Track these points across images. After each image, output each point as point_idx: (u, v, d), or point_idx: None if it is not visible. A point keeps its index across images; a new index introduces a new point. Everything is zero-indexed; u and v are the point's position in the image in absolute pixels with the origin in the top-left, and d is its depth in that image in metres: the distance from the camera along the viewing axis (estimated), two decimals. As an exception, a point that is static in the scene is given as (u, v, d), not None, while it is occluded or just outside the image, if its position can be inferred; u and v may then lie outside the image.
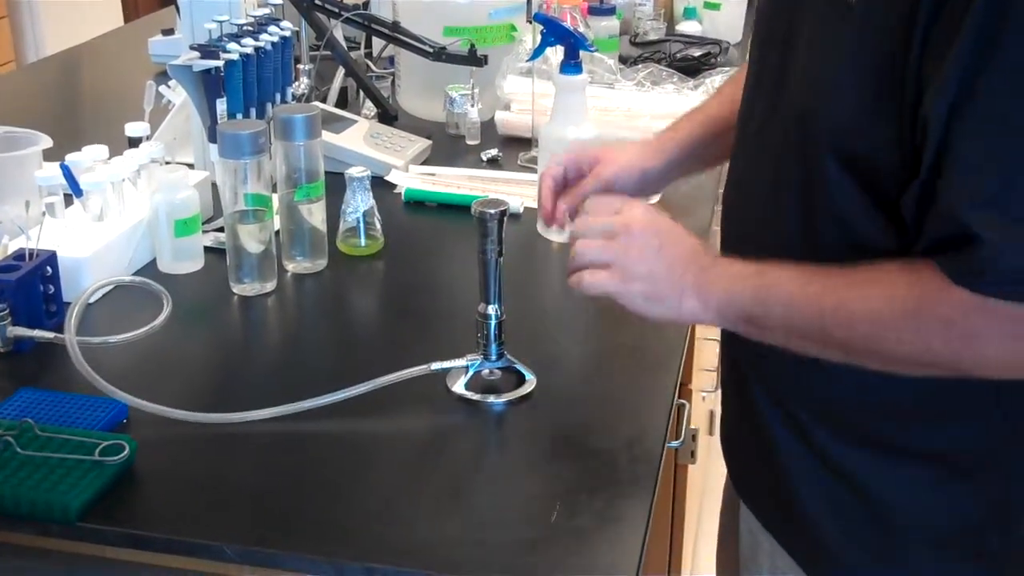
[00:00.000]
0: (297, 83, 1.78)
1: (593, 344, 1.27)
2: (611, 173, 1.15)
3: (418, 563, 0.88)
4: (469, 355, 1.12)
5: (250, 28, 1.55)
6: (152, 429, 1.04)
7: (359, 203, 1.43)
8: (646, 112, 1.80)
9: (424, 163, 1.74)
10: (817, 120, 0.90)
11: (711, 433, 1.77)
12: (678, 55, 2.29)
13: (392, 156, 1.69)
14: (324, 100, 1.87)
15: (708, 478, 2.02)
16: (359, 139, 1.70)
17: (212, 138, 1.48)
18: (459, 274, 1.38)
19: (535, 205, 1.23)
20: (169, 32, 2.27)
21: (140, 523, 0.92)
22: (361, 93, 1.92)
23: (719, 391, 1.17)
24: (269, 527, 0.92)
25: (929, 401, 0.93)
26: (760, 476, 1.07)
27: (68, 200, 1.36)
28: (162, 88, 1.76)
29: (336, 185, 1.43)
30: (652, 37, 2.43)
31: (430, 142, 1.78)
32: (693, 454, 1.65)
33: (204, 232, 1.41)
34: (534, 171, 1.60)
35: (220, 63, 1.46)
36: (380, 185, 1.61)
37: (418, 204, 1.61)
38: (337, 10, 1.87)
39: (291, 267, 1.39)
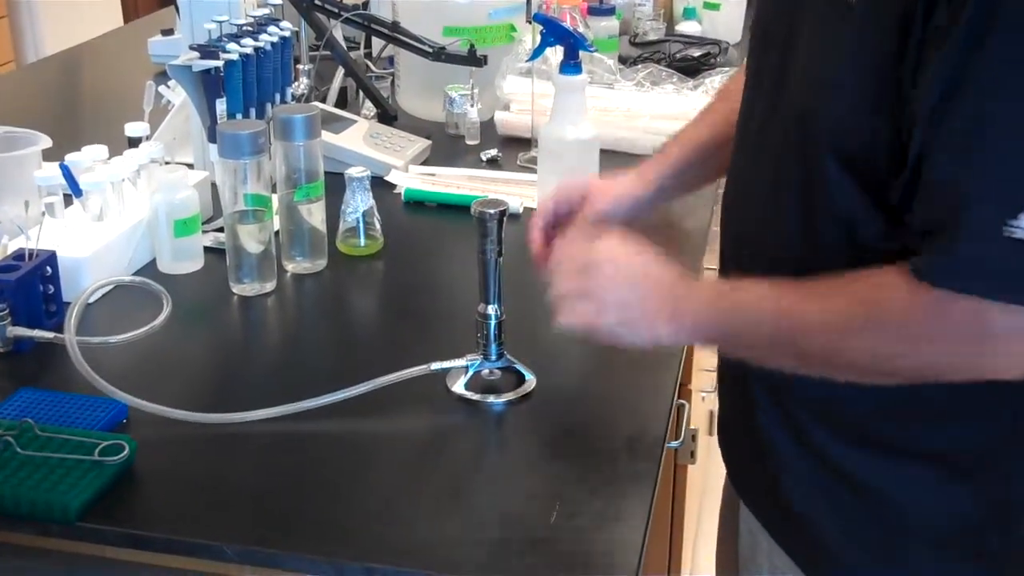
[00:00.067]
0: (297, 83, 1.78)
1: (593, 344, 1.27)
2: (605, 205, 1.16)
3: (418, 563, 0.88)
4: (469, 355, 1.12)
5: (250, 28, 1.55)
6: (152, 429, 1.04)
7: (359, 203, 1.43)
8: (645, 112, 1.80)
9: (424, 163, 1.74)
10: (817, 120, 0.90)
11: (711, 433, 1.77)
12: (677, 55, 2.28)
13: (392, 156, 1.69)
14: (324, 100, 1.87)
15: (708, 478, 2.02)
16: (359, 139, 1.70)
17: (212, 138, 1.48)
18: (459, 274, 1.38)
19: (535, 205, 1.23)
20: (169, 32, 2.27)
21: (140, 523, 0.92)
22: (361, 93, 1.92)
23: (718, 391, 1.17)
24: (269, 527, 0.92)
25: (929, 401, 0.93)
26: (759, 476, 1.07)
27: (68, 200, 1.36)
28: (162, 88, 1.76)
29: (336, 185, 1.43)
30: (652, 37, 2.42)
31: (430, 142, 1.78)
32: (693, 454, 1.65)
33: (204, 232, 1.41)
34: (534, 171, 1.59)
35: (220, 63, 1.46)
36: (380, 185, 1.61)
37: (418, 204, 1.61)
38: (337, 10, 1.87)
39: (291, 267, 1.39)
